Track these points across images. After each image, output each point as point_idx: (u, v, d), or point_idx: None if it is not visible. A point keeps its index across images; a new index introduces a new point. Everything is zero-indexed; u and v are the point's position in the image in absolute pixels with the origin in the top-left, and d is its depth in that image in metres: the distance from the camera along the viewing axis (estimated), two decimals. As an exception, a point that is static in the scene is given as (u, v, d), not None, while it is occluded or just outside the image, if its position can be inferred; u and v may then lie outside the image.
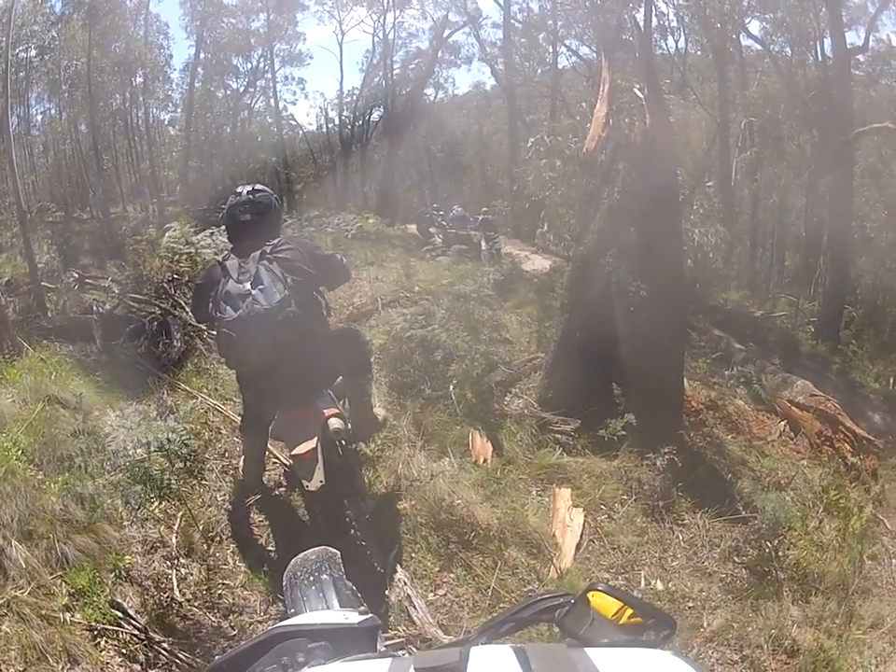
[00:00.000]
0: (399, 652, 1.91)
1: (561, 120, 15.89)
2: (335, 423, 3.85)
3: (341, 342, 4.41)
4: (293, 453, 3.78)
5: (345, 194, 22.87)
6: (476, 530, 4.60)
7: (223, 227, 5.31)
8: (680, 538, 5.12)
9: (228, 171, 17.82)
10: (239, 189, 4.23)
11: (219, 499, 4.88)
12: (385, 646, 1.80)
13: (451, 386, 6.15)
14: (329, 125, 25.87)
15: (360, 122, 25.41)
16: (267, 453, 4.87)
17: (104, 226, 12.42)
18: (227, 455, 5.37)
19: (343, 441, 4.03)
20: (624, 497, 5.38)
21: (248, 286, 3.71)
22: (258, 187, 4.26)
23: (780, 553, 4.83)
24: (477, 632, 1.45)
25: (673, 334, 6.19)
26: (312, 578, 2.03)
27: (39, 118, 16.64)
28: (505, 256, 13.51)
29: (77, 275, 8.94)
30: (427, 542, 4.56)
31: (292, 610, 1.94)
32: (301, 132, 25.00)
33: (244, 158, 18.57)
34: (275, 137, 21.28)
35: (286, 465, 4.97)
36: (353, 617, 1.66)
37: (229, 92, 22.17)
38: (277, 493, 4.94)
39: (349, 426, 4.20)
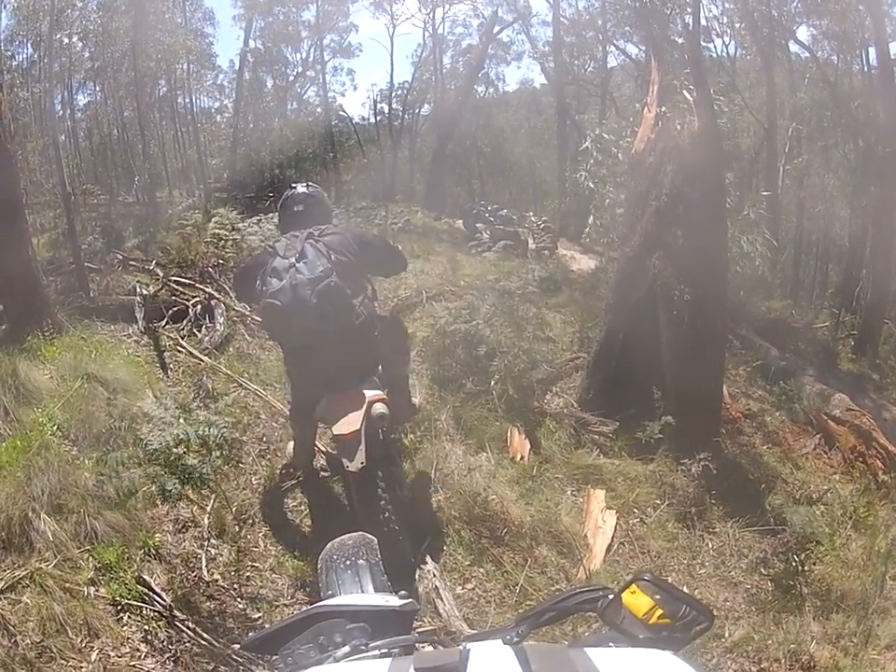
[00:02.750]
0: (422, 646, 1.78)
1: (610, 120, 15.75)
2: (379, 408, 3.85)
3: (384, 326, 4.41)
4: (337, 433, 3.85)
5: (393, 187, 22.82)
6: (509, 526, 4.55)
7: (274, 216, 5.85)
8: (710, 545, 5.05)
9: (275, 159, 17.86)
10: (294, 185, 4.60)
11: (254, 483, 4.86)
12: (419, 633, 1.81)
13: (492, 382, 6.07)
14: (378, 117, 25.95)
15: (409, 115, 25.46)
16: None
17: (148, 210, 12.46)
18: (264, 439, 5.35)
19: (385, 428, 4.02)
20: (658, 501, 5.30)
21: (293, 259, 3.91)
22: (311, 184, 4.63)
23: (806, 568, 4.73)
24: (517, 620, 1.39)
25: (714, 340, 6.02)
26: (348, 562, 2.06)
27: (84, 102, 16.84)
28: (550, 254, 13.41)
29: (120, 257, 8.90)
30: (459, 536, 4.52)
31: (329, 592, 1.95)
32: (349, 123, 24.99)
33: (291, 147, 18.57)
34: (324, 128, 21.23)
35: (324, 452, 5.00)
36: (393, 600, 1.67)
37: (277, 82, 22.32)
38: (313, 479, 4.90)
39: (389, 406, 4.11)
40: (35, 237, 8.08)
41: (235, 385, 5.91)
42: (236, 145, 18.18)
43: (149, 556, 3.90)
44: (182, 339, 6.73)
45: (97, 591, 3.55)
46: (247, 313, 7.10)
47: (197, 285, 7.69)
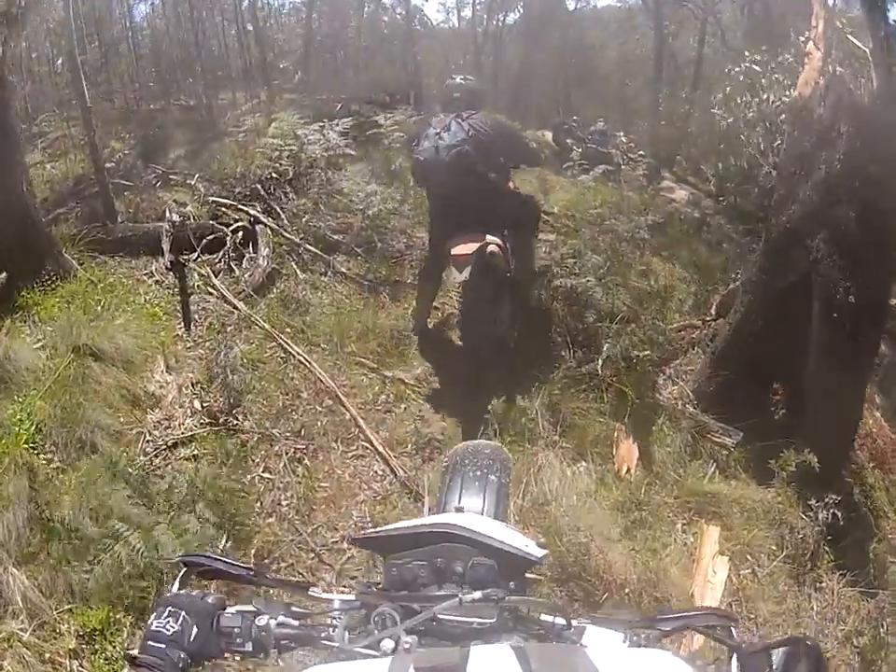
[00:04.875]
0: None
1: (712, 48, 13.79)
2: (492, 247, 4.72)
3: (516, 199, 5.35)
4: (453, 253, 4.71)
5: None
6: (609, 588, 3.76)
7: (342, 121, 7.45)
8: (814, 607, 4.24)
9: (351, 62, 16.36)
10: (454, 76, 5.48)
11: (284, 504, 3.85)
12: (527, 577, 1.59)
13: (600, 363, 4.98)
14: (462, 23, 24.18)
15: (494, 23, 23.62)
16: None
17: (204, 114, 11.06)
18: (303, 432, 4.29)
19: (497, 269, 4.80)
20: (774, 546, 4.44)
21: (440, 130, 4.88)
22: (467, 77, 5.50)
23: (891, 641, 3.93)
24: (642, 618, 1.34)
25: (869, 357, 5.03)
26: (479, 472, 2.05)
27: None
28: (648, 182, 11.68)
29: (159, 172, 7.59)
30: (548, 599, 3.60)
31: (457, 504, 1.92)
32: (431, 28, 23.32)
33: (368, 51, 17.05)
34: (404, 31, 19.60)
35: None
36: (532, 547, 1.50)
37: (355, -19, 20.51)
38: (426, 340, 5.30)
39: (509, 260, 4.93)
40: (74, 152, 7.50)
41: (274, 345, 4.84)
42: (308, 43, 16.67)
43: (141, 620, 3.17)
44: (216, 276, 5.59)
45: (80, 666, 3.03)
46: (298, 240, 6.09)
47: (241, 206, 6.38)
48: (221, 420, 4.09)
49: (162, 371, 4.24)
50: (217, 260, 5.73)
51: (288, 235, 6.04)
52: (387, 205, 6.29)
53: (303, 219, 6.32)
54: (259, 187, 6.70)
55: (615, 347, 4.94)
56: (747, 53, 8.93)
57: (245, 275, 5.54)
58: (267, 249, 5.77)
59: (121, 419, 4.06)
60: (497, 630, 1.24)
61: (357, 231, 6.28)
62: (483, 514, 1.87)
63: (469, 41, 24.05)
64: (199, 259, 5.70)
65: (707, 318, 6.00)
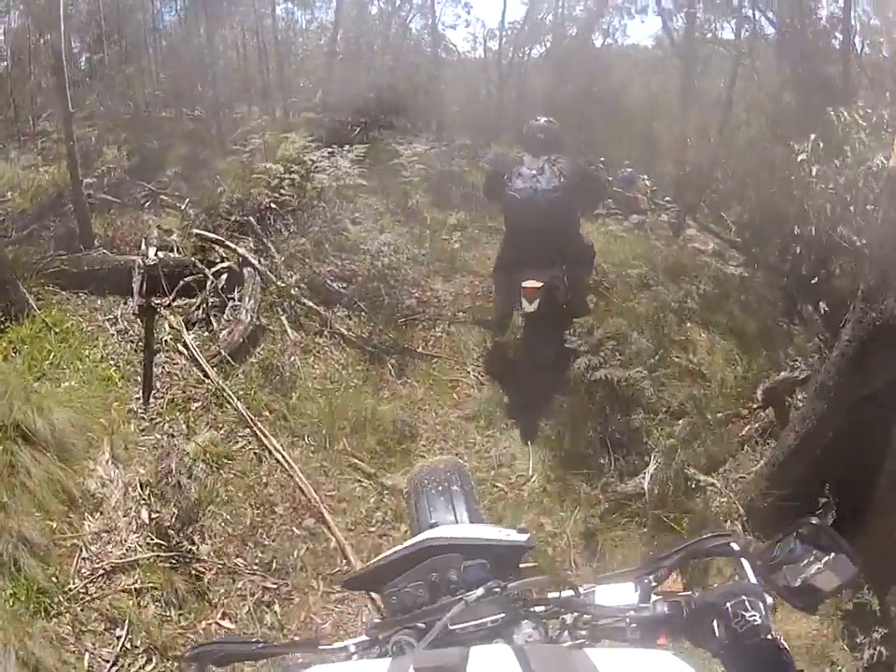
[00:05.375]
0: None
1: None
2: (555, 281, 5.11)
3: (581, 240, 5.73)
4: (524, 286, 4.99)
5: (499, 127, 20.56)
6: None
7: (357, 148, 6.88)
8: None
9: (374, 83, 15.70)
10: (538, 118, 5.80)
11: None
12: (523, 567, 1.54)
13: (646, 478, 4.17)
14: (488, 54, 23.54)
15: (519, 55, 22.99)
16: None
17: (215, 128, 10.32)
18: (275, 565, 3.49)
19: (557, 302, 5.19)
20: None
21: (535, 172, 5.23)
22: (550, 119, 5.78)
23: None
24: (647, 563, 1.34)
25: None
26: (441, 487, 2.06)
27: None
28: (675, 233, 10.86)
29: (150, 190, 6.76)
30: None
31: (430, 521, 1.92)
32: (456, 56, 22.66)
33: (393, 74, 16.37)
34: (429, 58, 18.93)
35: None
36: (514, 534, 1.50)
37: (382, 5, 19.80)
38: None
39: (567, 293, 5.31)
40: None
41: (247, 433, 4.01)
42: (331, 63, 16.01)
43: None
44: (190, 328, 4.77)
45: None
46: (294, 293, 5.30)
47: (229, 242, 5.56)
48: (173, 541, 3.24)
49: (107, 462, 3.45)
50: (194, 307, 4.92)
51: (281, 283, 5.21)
52: (400, 256, 5.56)
53: (301, 263, 5.50)
54: (252, 219, 5.90)
55: (668, 468, 4.08)
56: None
57: (224, 333, 4.69)
58: (252, 301, 4.94)
59: (53, 525, 3.28)
60: (512, 622, 1.24)
61: (363, 282, 5.48)
62: (458, 523, 1.90)
63: (493, 72, 23.32)
64: (173, 305, 4.88)
65: (755, 406, 5.30)
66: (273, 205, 6.14)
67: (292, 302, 5.22)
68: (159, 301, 4.79)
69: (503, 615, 1.22)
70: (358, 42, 18.25)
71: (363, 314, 5.33)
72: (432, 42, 20.46)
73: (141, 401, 4.10)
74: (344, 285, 5.52)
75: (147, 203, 6.55)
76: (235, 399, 4.12)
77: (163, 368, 4.36)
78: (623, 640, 1.22)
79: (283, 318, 5.05)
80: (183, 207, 6.38)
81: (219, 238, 5.59)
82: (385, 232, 5.80)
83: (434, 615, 1.23)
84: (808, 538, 1.24)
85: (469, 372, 5.15)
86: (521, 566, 1.55)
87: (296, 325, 5.08)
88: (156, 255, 5.05)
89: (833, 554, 1.22)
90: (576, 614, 1.25)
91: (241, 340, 4.63)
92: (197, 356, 4.38)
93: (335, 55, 16.94)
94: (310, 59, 18.89)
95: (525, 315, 5.11)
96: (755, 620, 1.13)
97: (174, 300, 4.93)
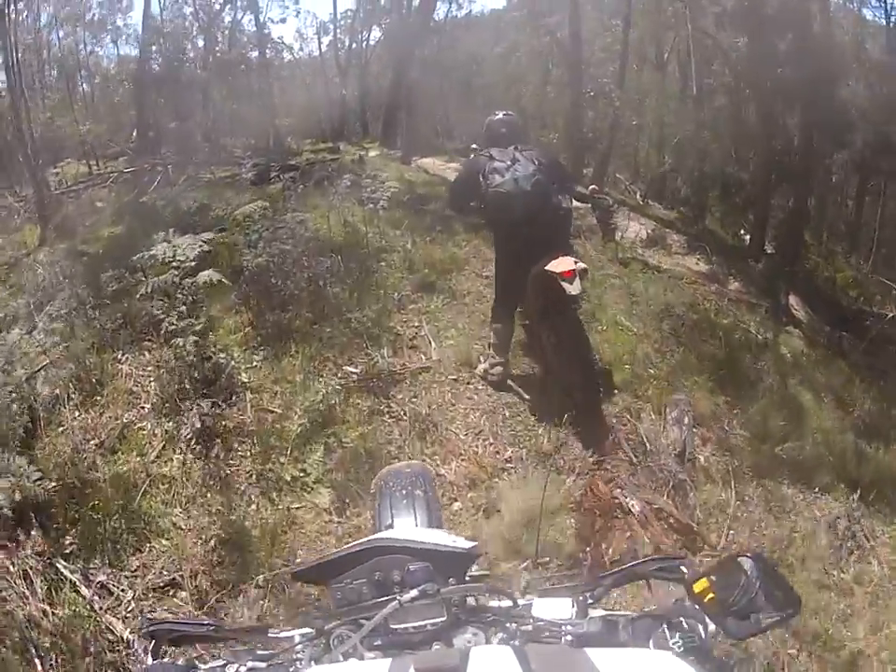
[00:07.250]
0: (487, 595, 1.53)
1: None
2: (583, 264, 5.16)
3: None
4: (558, 270, 4.94)
5: (343, 125, 19.55)
6: None
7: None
8: None
9: (194, 97, 14.03)
10: (497, 112, 6.05)
11: None
12: (470, 576, 1.59)
13: None
14: (323, 48, 22.81)
15: (357, 44, 22.34)
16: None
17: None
18: None
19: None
20: None
21: (509, 162, 5.31)
22: (508, 112, 6.09)
23: None
24: (589, 580, 1.46)
25: None
26: (405, 491, 2.12)
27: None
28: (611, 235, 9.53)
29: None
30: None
31: (384, 521, 2.02)
32: (291, 53, 21.47)
33: (219, 81, 14.70)
34: (258, 59, 17.44)
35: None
36: (461, 542, 1.58)
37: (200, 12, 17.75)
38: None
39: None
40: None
41: None
42: (141, 103, 14.39)
43: None
44: None
45: None
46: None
47: None
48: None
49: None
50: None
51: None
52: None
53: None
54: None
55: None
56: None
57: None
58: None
59: None
60: (452, 626, 1.34)
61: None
62: (416, 527, 1.97)
63: (331, 65, 21.76)
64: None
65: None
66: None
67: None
68: None
69: (444, 619, 1.32)
70: (165, 50, 16.12)
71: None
72: (259, 43, 18.59)
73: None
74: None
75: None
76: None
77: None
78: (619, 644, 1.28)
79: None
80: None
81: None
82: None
83: (371, 611, 1.32)
84: (751, 570, 1.27)
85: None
86: (470, 574, 1.56)
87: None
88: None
89: (774, 590, 1.27)
90: (514, 624, 1.31)
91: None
92: None
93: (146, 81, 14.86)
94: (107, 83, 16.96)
95: (569, 297, 5.07)
96: (692, 642, 1.21)
97: None
